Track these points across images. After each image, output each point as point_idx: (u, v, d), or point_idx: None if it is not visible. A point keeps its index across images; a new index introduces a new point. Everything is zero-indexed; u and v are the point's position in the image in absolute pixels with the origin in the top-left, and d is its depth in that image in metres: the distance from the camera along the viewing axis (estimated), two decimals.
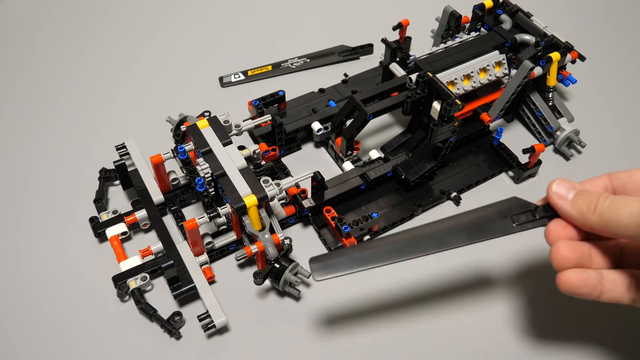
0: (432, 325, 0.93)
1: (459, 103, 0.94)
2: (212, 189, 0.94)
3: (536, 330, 0.92)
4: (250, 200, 0.87)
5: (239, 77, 1.31)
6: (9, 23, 1.47)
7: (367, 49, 1.36)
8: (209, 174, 0.92)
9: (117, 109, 1.26)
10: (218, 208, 0.89)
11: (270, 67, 1.33)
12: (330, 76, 1.31)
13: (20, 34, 1.44)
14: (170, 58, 1.38)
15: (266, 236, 0.88)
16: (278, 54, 1.36)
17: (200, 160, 0.93)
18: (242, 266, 0.99)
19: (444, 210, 1.07)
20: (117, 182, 1.11)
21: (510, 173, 1.12)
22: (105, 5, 1.52)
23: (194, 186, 0.92)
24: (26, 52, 1.39)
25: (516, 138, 1.19)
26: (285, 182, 0.93)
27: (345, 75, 1.27)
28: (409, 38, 1.30)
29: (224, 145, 0.95)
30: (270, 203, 0.96)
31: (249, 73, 1.32)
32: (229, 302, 0.93)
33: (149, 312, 0.90)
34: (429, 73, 0.99)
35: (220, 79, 1.31)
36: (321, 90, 1.24)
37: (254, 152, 0.98)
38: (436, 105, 0.99)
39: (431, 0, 1.42)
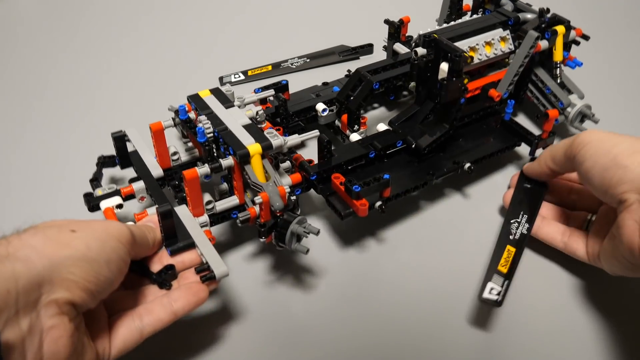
0: (444, 327, 0.85)
1: (467, 55, 0.92)
2: (214, 148, 0.89)
3: None
4: (254, 148, 0.82)
5: (239, 77, 1.31)
6: (10, 23, 1.49)
7: (367, 49, 1.36)
8: (211, 131, 0.88)
9: (118, 110, 1.24)
10: (220, 160, 0.84)
11: (270, 67, 1.33)
12: (330, 76, 1.30)
13: (21, 33, 1.45)
14: (170, 58, 1.39)
15: (270, 186, 0.82)
16: (278, 54, 1.37)
17: (202, 117, 0.89)
18: (249, 259, 0.93)
19: (456, 206, 1.03)
20: (117, 173, 1.06)
21: (525, 146, 1.07)
22: (106, 4, 1.55)
23: (193, 140, 0.87)
24: (27, 52, 1.40)
25: (525, 122, 1.16)
26: (291, 138, 0.88)
27: (349, 71, 1.26)
28: (411, 37, 1.31)
29: (226, 108, 0.92)
30: (277, 171, 0.91)
31: (249, 73, 1.32)
32: (237, 295, 0.88)
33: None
34: (434, 35, 0.98)
35: (220, 78, 1.31)
36: (325, 84, 1.23)
37: (257, 112, 0.94)
38: (444, 67, 0.96)
39: (431, 0, 1.44)
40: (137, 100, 1.27)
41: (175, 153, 1.00)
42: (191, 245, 0.82)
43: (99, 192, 0.96)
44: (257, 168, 0.83)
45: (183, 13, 1.53)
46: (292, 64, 1.34)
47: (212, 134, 0.88)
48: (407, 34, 1.30)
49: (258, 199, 0.82)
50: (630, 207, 0.72)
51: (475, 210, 1.03)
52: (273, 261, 0.93)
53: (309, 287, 0.90)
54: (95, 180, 1.00)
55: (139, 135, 1.04)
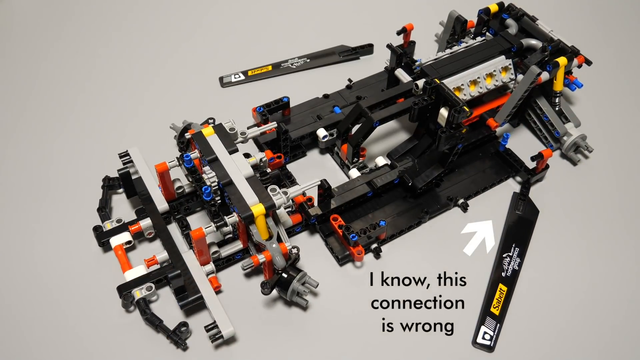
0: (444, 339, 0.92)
1: (467, 110, 0.93)
2: (219, 198, 0.93)
3: None
4: (257, 209, 0.86)
5: (239, 77, 1.31)
6: (10, 25, 1.46)
7: (367, 49, 1.36)
8: (216, 183, 0.91)
9: (118, 114, 1.24)
10: (225, 217, 0.88)
11: (270, 67, 1.33)
12: (331, 76, 1.31)
13: (20, 37, 1.42)
14: (169, 58, 1.37)
15: (274, 245, 0.87)
16: (278, 54, 1.36)
17: (207, 168, 0.92)
18: (248, 275, 0.98)
19: (451, 216, 1.07)
20: (121, 190, 1.09)
21: (518, 178, 1.11)
22: (105, 9, 1.51)
23: (200, 195, 0.91)
24: (25, 56, 1.37)
25: (522, 143, 1.17)
26: (292, 191, 0.92)
27: (350, 80, 1.27)
28: (413, 42, 1.29)
29: (230, 153, 0.94)
30: (277, 211, 0.95)
31: (249, 73, 1.32)
32: (236, 311, 0.92)
33: (155, 323, 0.88)
34: (436, 80, 0.98)
35: (220, 79, 1.31)
36: (325, 96, 1.23)
37: (261, 160, 0.97)
38: (444, 112, 0.98)
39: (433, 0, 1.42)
40: (137, 100, 1.27)
41: (180, 187, 1.03)
42: (199, 299, 0.88)
43: (107, 225, 1.01)
44: (260, 227, 0.87)
45: (182, 14, 1.49)
46: (292, 64, 1.34)
47: (216, 186, 0.91)
48: (409, 40, 1.29)
49: (262, 258, 0.88)
50: None
51: (472, 221, 1.06)
52: None
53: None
54: (103, 210, 1.04)
55: (141, 157, 1.07)
